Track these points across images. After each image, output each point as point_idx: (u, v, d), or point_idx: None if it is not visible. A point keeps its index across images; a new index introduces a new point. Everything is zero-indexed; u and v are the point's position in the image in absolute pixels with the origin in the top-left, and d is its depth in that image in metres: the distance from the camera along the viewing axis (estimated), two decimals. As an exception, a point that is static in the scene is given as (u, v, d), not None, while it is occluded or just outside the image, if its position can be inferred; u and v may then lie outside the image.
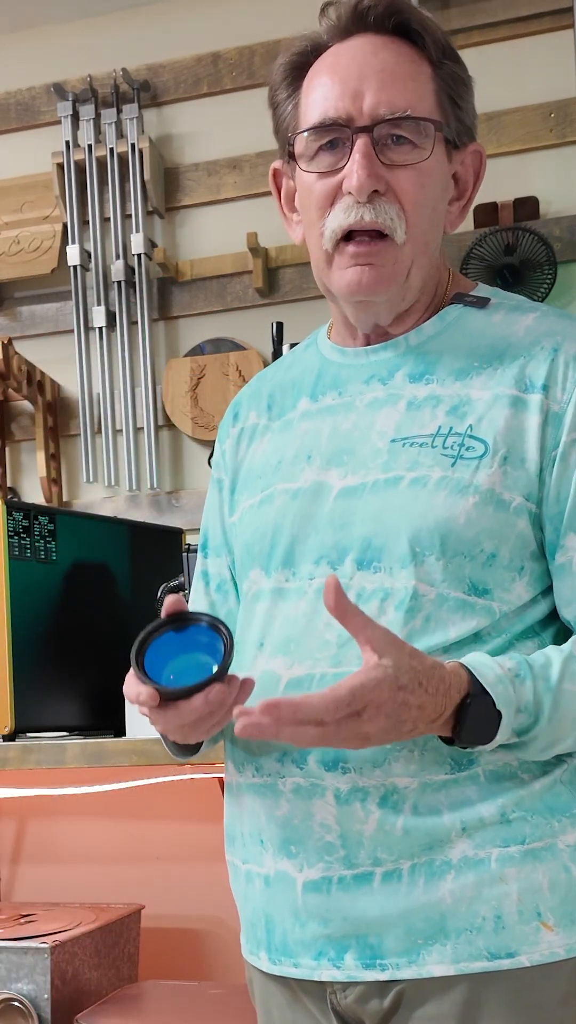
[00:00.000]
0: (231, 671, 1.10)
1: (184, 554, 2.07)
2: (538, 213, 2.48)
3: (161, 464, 2.68)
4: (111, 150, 2.68)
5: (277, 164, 1.30)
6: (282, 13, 2.54)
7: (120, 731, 2.01)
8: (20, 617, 2.01)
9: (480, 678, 1.07)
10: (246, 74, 2.68)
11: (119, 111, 2.69)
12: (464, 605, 1.13)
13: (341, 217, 1.18)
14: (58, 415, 2.75)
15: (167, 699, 1.09)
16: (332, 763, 1.12)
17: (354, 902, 1.12)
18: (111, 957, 2.18)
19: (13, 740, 1.98)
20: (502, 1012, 1.10)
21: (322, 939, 1.14)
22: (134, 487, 2.67)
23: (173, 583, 2.05)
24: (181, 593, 1.79)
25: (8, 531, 2.01)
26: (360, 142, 1.16)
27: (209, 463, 1.81)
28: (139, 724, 1.87)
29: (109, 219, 2.72)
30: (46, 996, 1.97)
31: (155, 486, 2.65)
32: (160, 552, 2.31)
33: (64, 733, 2.10)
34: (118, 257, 2.68)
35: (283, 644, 1.18)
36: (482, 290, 1.29)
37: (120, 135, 2.69)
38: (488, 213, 2.47)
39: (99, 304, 2.70)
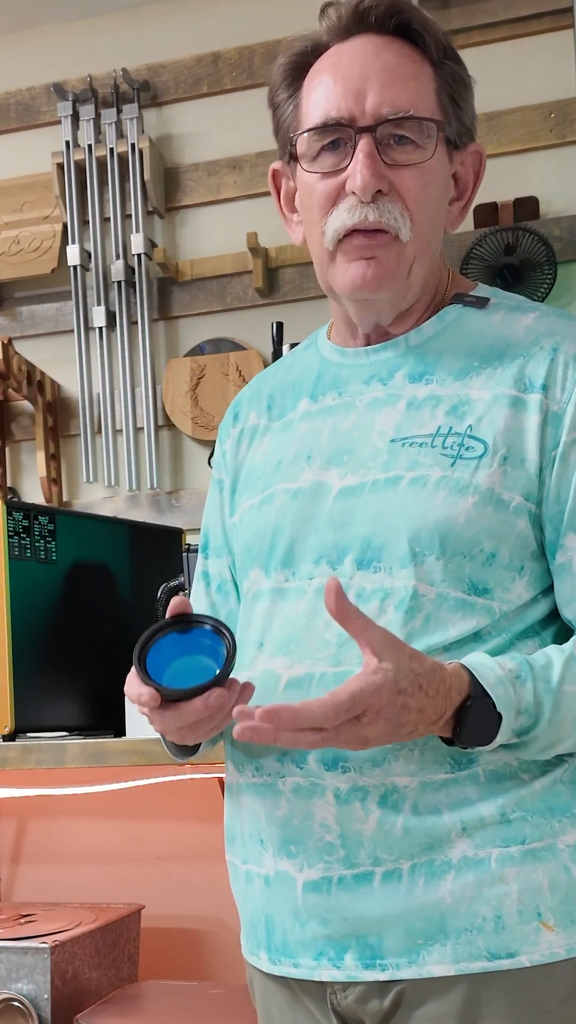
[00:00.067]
0: (232, 673, 1.10)
1: (184, 554, 2.07)
2: (538, 213, 2.48)
3: (161, 464, 2.68)
4: (111, 150, 2.68)
5: (276, 165, 1.30)
6: (282, 13, 2.53)
7: (120, 731, 2.01)
8: (20, 617, 2.01)
9: (481, 680, 1.07)
10: (246, 74, 2.68)
11: (119, 111, 2.69)
12: (464, 605, 1.13)
13: (345, 217, 1.18)
14: (58, 415, 2.75)
15: (168, 700, 1.09)
16: (332, 762, 1.12)
17: (354, 902, 1.12)
18: (111, 957, 2.18)
19: (13, 740, 1.98)
20: (502, 1012, 1.10)
21: (322, 939, 1.14)
22: (134, 487, 2.67)
23: (173, 583, 2.05)
24: (182, 593, 1.79)
25: (8, 531, 2.01)
26: (363, 142, 1.16)
27: (209, 463, 1.81)
28: (139, 724, 1.87)
29: (109, 219, 2.72)
30: (46, 996, 1.97)
31: (155, 486, 2.65)
32: (160, 552, 2.31)
33: (64, 733, 2.10)
34: (118, 257, 2.68)
35: (283, 644, 1.18)
36: (482, 290, 1.29)
37: (120, 135, 2.69)
38: (488, 213, 2.47)
39: (99, 304, 2.70)
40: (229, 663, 1.08)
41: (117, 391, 2.70)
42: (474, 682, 1.07)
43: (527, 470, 1.15)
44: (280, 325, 2.28)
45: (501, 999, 1.10)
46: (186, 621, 1.12)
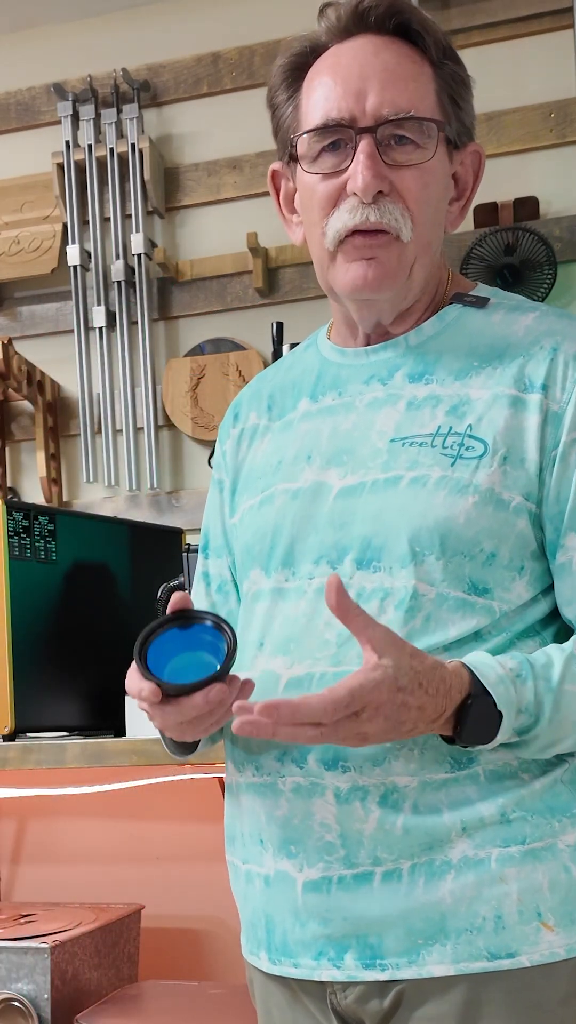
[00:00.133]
0: (232, 671, 1.10)
1: (184, 554, 2.07)
2: (538, 213, 2.48)
3: (161, 464, 2.68)
4: (111, 150, 2.68)
5: (276, 166, 1.30)
6: (282, 13, 2.54)
7: (120, 731, 2.01)
8: (20, 617, 2.01)
9: (481, 678, 1.07)
10: (246, 74, 2.68)
11: (119, 111, 2.69)
12: (464, 604, 1.13)
13: (346, 217, 1.18)
14: (58, 415, 2.75)
15: (168, 695, 1.09)
16: (332, 762, 1.12)
17: (354, 902, 1.12)
18: (111, 957, 2.18)
19: (13, 740, 1.98)
20: (502, 1012, 1.10)
21: (322, 939, 1.14)
22: (134, 487, 2.67)
23: (173, 583, 2.05)
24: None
25: (8, 531, 2.01)
26: (364, 143, 1.16)
27: (209, 463, 1.81)
28: (139, 724, 1.87)
29: (109, 219, 2.72)
30: (46, 996, 1.97)
31: (155, 486, 2.65)
32: (160, 552, 2.31)
33: (64, 733, 2.10)
34: (118, 257, 2.68)
35: (283, 644, 1.18)
36: (481, 290, 1.29)
37: (120, 135, 2.69)
38: (488, 213, 2.47)
39: (99, 304, 2.70)
40: (230, 659, 1.09)
41: (117, 391, 2.70)
42: (475, 680, 1.07)
43: (527, 470, 1.15)
44: (280, 325, 2.28)
45: (501, 999, 1.10)
46: (187, 617, 1.13)
